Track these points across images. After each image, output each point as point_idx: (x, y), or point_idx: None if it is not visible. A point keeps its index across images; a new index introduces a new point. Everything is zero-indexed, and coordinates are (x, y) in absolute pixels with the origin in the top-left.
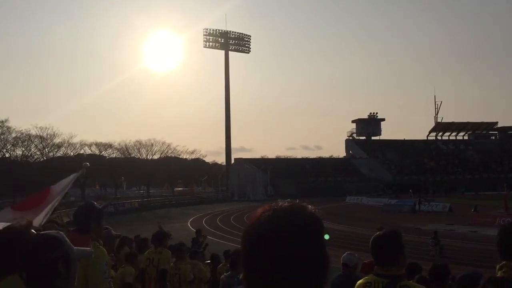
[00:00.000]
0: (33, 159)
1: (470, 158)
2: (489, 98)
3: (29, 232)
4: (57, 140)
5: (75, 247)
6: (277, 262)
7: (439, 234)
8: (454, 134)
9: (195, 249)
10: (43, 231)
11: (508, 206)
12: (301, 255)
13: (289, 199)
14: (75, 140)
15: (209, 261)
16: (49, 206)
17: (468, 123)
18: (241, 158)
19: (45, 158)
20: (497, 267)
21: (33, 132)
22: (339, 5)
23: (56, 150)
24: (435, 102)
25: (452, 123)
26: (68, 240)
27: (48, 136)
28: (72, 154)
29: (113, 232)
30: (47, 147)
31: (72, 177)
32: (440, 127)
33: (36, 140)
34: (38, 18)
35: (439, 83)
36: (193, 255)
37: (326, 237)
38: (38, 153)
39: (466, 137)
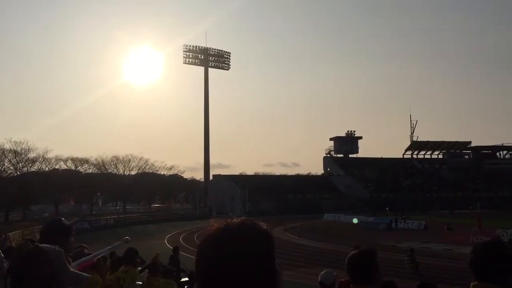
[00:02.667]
0: (6, 174)
1: (444, 177)
2: (463, 118)
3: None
4: (31, 155)
5: (72, 271)
6: (227, 277)
7: (415, 252)
8: (429, 152)
9: (170, 268)
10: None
11: (482, 224)
12: (250, 270)
13: (242, 217)
14: (50, 155)
15: (187, 279)
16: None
17: (442, 142)
18: (220, 174)
19: (18, 173)
20: (471, 286)
21: (7, 146)
22: (317, 24)
23: (30, 165)
24: (410, 121)
25: (427, 142)
26: (63, 261)
27: (23, 150)
28: (47, 169)
29: (86, 250)
30: (21, 162)
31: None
32: (415, 145)
33: (10, 154)
34: (16, 30)
35: (414, 102)
36: (167, 274)
37: (355, 221)
38: (11, 168)
39: (440, 156)
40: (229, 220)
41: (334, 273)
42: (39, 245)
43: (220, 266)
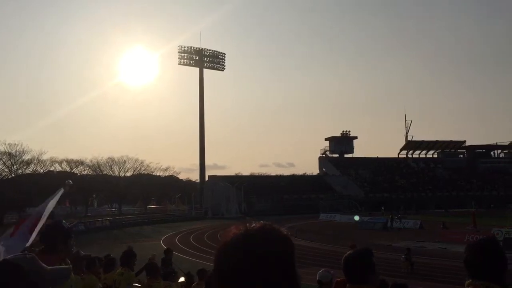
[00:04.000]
0: (1, 176)
1: (439, 176)
2: (458, 118)
3: None
4: (26, 157)
5: (50, 268)
6: (248, 281)
7: (411, 251)
8: (424, 152)
9: (168, 270)
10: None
11: (476, 223)
12: (271, 275)
13: (261, 221)
14: (45, 157)
15: (183, 280)
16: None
17: (437, 141)
18: (215, 175)
19: (13, 175)
20: (465, 284)
21: (2, 148)
22: (312, 25)
23: (25, 167)
24: (405, 120)
25: (422, 142)
26: (38, 265)
27: (17, 153)
28: (41, 171)
29: (81, 252)
30: (16, 164)
31: (55, 197)
32: (410, 145)
33: (4, 157)
34: (10, 31)
35: (409, 102)
36: (166, 276)
37: (356, 218)
38: (6, 170)
39: (435, 155)
40: (248, 224)
41: (332, 271)
42: (7, 258)
43: (240, 270)
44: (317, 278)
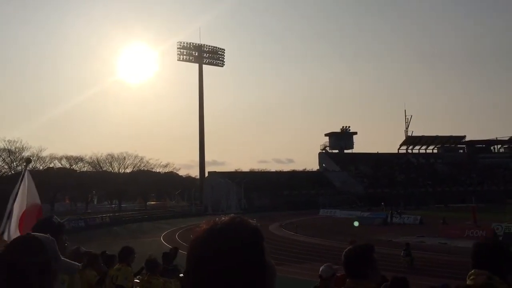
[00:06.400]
0: (1, 173)
1: (439, 171)
2: (457, 113)
3: None
4: (26, 154)
5: (63, 259)
6: (216, 274)
7: (410, 246)
8: (424, 147)
9: (165, 266)
10: None
11: (477, 218)
12: (238, 266)
13: (236, 213)
14: (45, 153)
15: (182, 275)
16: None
17: (437, 136)
18: (215, 171)
19: (13, 172)
20: (468, 275)
21: (1, 145)
22: (311, 20)
23: (24, 164)
24: (405, 116)
25: (422, 137)
26: (55, 249)
27: (17, 149)
28: (41, 168)
29: (82, 249)
30: (15, 161)
31: (24, 183)
32: (410, 140)
33: (3, 153)
34: (9, 28)
35: (409, 97)
36: (164, 272)
37: (356, 223)
38: (5, 167)
39: (435, 150)
40: (218, 218)
41: (335, 267)
42: (34, 234)
43: (208, 265)
44: (319, 273)
